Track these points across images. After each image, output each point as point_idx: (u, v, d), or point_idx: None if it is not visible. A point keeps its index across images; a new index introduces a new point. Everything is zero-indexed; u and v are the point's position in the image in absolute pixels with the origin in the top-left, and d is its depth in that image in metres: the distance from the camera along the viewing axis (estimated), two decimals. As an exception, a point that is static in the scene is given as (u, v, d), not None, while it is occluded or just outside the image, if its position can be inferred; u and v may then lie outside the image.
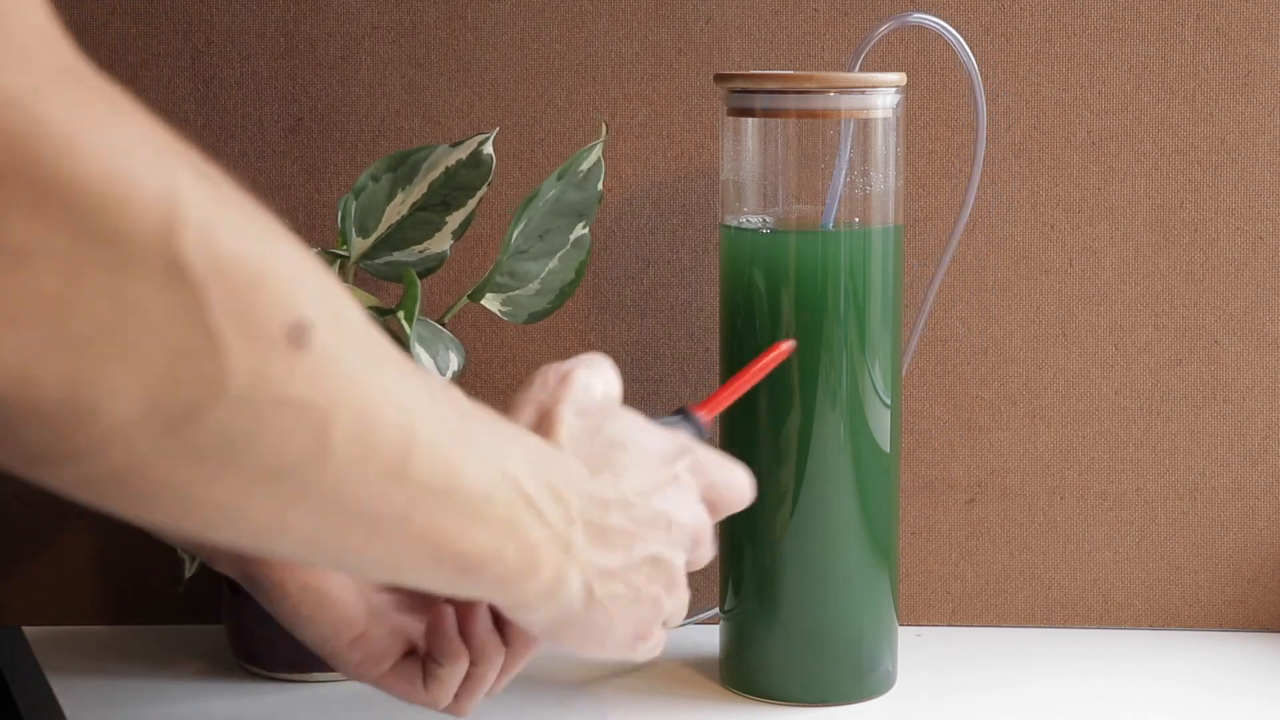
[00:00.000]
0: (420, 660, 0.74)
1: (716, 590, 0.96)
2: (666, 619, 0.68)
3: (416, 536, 0.53)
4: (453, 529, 0.54)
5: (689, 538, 0.68)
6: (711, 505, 0.71)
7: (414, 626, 0.75)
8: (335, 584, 0.73)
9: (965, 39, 0.92)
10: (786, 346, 0.81)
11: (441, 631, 0.73)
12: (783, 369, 0.88)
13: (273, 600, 0.74)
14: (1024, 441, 1.03)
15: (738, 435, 0.90)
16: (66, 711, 0.89)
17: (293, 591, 0.73)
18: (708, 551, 0.71)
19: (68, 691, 0.92)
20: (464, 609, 0.73)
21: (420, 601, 0.77)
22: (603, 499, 0.63)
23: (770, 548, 0.90)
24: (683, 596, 0.69)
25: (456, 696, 0.74)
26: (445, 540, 0.54)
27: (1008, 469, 1.03)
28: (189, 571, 0.91)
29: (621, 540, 0.64)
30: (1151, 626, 1.04)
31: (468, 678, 0.74)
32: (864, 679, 0.91)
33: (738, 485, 0.72)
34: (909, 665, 0.95)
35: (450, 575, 0.56)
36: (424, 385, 0.53)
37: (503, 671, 0.75)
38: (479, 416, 0.57)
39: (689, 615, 0.96)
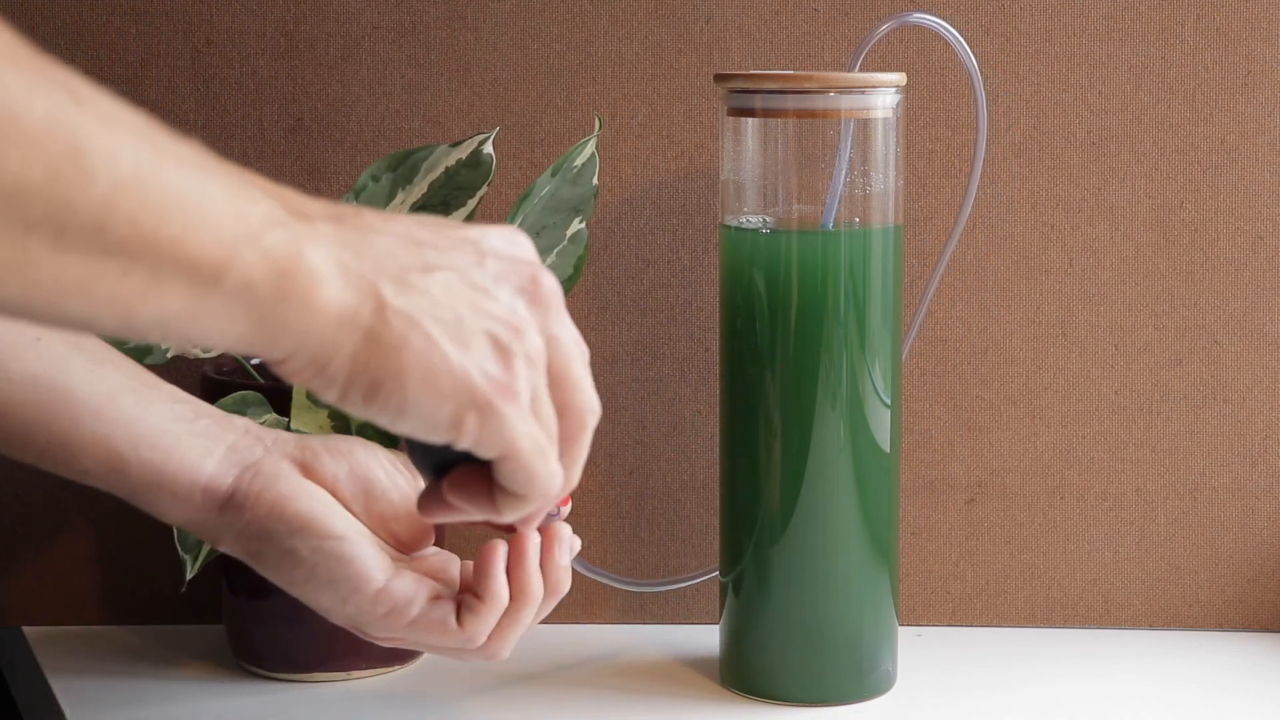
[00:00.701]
0: (451, 602, 0.74)
1: (716, 553, 0.96)
2: (536, 402, 0.59)
3: (124, 245, 0.49)
4: (168, 232, 0.50)
5: (518, 277, 0.59)
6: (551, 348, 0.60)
7: (434, 573, 0.75)
8: (349, 540, 0.73)
9: (965, 39, 0.92)
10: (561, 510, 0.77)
11: (489, 567, 0.73)
12: (783, 368, 0.88)
13: (285, 570, 0.74)
14: (1024, 441, 1.03)
15: (738, 435, 0.91)
16: (66, 711, 0.90)
17: (306, 555, 0.73)
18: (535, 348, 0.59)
19: (68, 691, 0.93)
20: (514, 547, 0.73)
21: (439, 562, 0.77)
22: (361, 218, 0.57)
23: (770, 548, 0.90)
24: (534, 349, 0.58)
25: (490, 638, 0.74)
26: (161, 246, 0.50)
27: (1008, 469, 1.03)
28: (189, 572, 0.91)
29: (404, 245, 0.57)
30: (1151, 626, 1.04)
31: (505, 617, 0.74)
32: (864, 679, 0.91)
33: (577, 341, 0.62)
34: (909, 665, 0.95)
35: (188, 295, 0.51)
36: (90, 94, 0.49)
37: (538, 613, 0.75)
38: (185, 143, 0.52)
39: (686, 576, 0.97)
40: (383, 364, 0.55)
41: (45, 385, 0.73)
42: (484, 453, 0.59)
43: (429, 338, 0.56)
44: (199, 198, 0.51)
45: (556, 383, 0.60)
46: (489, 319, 0.57)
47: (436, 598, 0.74)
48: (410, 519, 0.76)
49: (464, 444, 0.58)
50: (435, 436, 0.58)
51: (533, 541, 0.73)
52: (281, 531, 0.73)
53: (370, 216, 0.57)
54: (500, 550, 0.73)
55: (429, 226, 0.59)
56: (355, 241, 0.55)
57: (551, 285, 0.60)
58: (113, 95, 0.50)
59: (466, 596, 0.73)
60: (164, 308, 0.51)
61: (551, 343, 0.60)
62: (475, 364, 0.57)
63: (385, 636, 0.74)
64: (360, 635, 0.75)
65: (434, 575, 0.75)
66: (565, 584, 0.75)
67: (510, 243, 0.61)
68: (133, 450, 0.73)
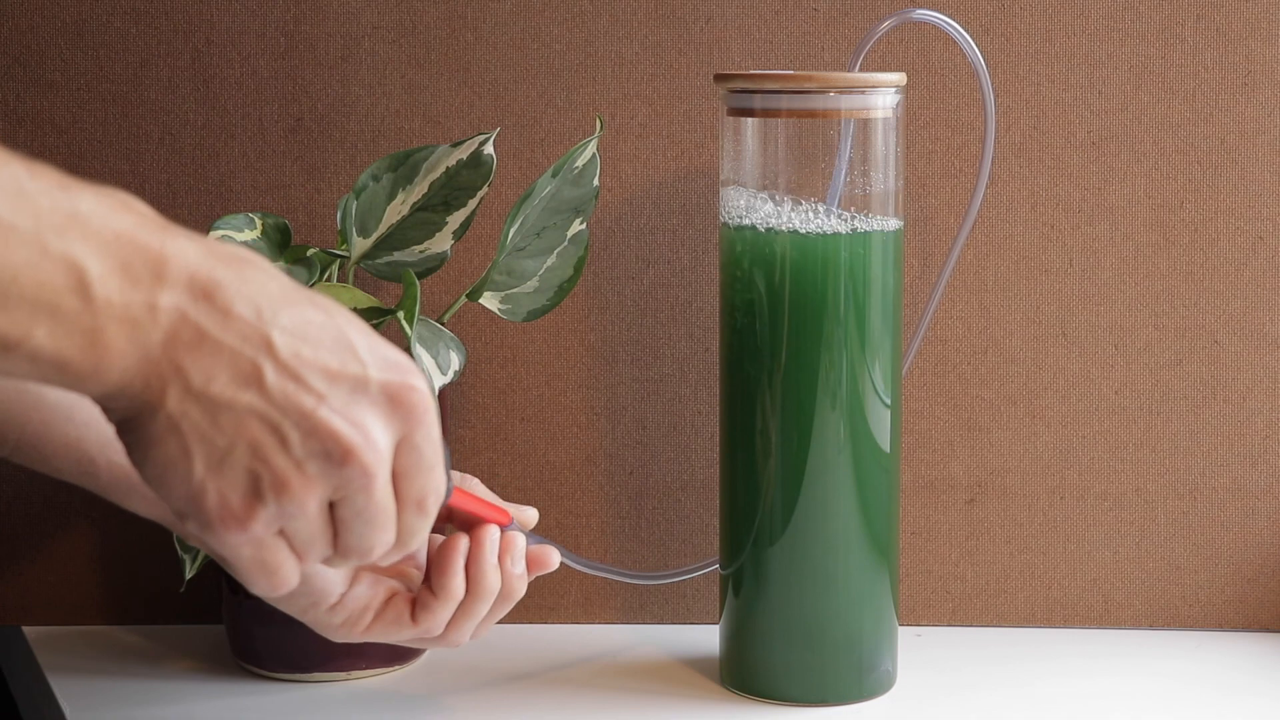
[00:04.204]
0: (406, 600, 0.76)
1: (716, 553, 0.96)
2: (290, 532, 0.59)
3: None
4: None
5: (335, 444, 0.57)
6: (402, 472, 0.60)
7: (397, 577, 0.78)
8: None
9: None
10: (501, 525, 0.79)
11: (448, 565, 0.75)
12: (783, 368, 0.88)
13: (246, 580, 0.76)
14: (1024, 441, 1.03)
15: (738, 436, 0.91)
16: (66, 711, 0.90)
17: None
18: (376, 502, 0.59)
19: (68, 691, 0.93)
20: (473, 543, 0.76)
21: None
22: (227, 308, 0.55)
23: (770, 547, 0.90)
24: (294, 507, 0.58)
25: (447, 628, 0.77)
26: None
27: (1008, 469, 1.03)
28: (189, 572, 0.91)
29: (245, 352, 0.56)
30: (1151, 626, 1.04)
31: (460, 610, 0.76)
32: (864, 679, 0.91)
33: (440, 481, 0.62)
34: (909, 665, 0.95)
35: None
36: None
37: (489, 615, 0.78)
38: (37, 191, 0.52)
39: (686, 569, 0.97)
40: (136, 442, 0.56)
41: (17, 385, 0.73)
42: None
43: (184, 449, 0.56)
44: (2, 276, 0.51)
45: (401, 478, 0.60)
46: (262, 464, 0.56)
47: (392, 597, 0.76)
48: None
49: (190, 534, 0.59)
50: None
51: (491, 539, 0.76)
52: None
53: (254, 305, 0.56)
54: (460, 546, 0.76)
55: (308, 342, 0.57)
56: (184, 330, 0.55)
57: (414, 400, 0.59)
58: None
59: (423, 593, 0.76)
60: None
61: (404, 444, 0.60)
62: (217, 487, 0.56)
63: (345, 639, 0.77)
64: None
65: (400, 563, 0.78)
66: (519, 591, 0.78)
67: (390, 368, 0.60)
68: (102, 454, 0.74)
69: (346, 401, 0.57)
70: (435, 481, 0.61)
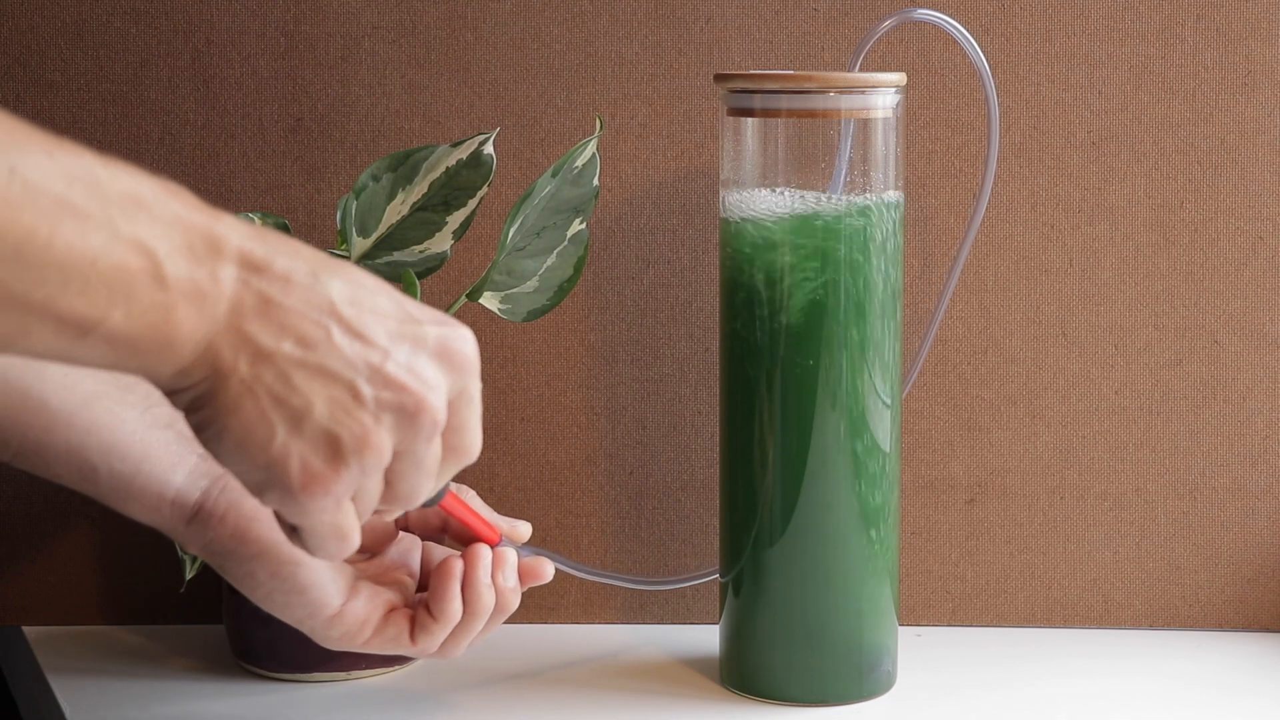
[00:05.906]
0: (405, 616, 0.78)
1: (716, 553, 0.96)
2: (360, 491, 0.60)
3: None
4: (41, 294, 0.51)
5: (410, 400, 0.59)
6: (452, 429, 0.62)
7: (393, 569, 0.79)
8: (306, 566, 0.75)
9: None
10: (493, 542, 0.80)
11: (445, 586, 0.77)
12: (783, 368, 0.88)
13: (246, 587, 0.77)
14: (1024, 441, 1.03)
15: (737, 436, 0.90)
16: (66, 711, 0.90)
17: (263, 580, 0.76)
18: (432, 450, 0.61)
19: (67, 691, 0.93)
20: (467, 565, 0.77)
21: (400, 555, 0.80)
22: (286, 275, 0.57)
23: (770, 548, 0.90)
24: (374, 462, 0.59)
25: (443, 645, 0.78)
26: (35, 304, 0.52)
27: (1008, 469, 1.03)
28: (189, 572, 0.91)
29: (313, 315, 0.57)
30: (1151, 626, 1.04)
31: (457, 628, 0.78)
32: (864, 679, 0.91)
33: (474, 446, 0.64)
34: (909, 665, 0.95)
35: (58, 340, 0.53)
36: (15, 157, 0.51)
37: (484, 629, 0.79)
38: (107, 178, 0.53)
39: (685, 576, 0.97)
40: (211, 417, 0.57)
41: (20, 390, 0.73)
42: (285, 518, 0.61)
43: (261, 413, 0.57)
44: (83, 259, 0.52)
45: (452, 429, 0.63)
46: (340, 423, 0.58)
47: (391, 611, 0.77)
48: (370, 525, 0.78)
49: (269, 507, 0.60)
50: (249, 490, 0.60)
51: (484, 559, 0.78)
52: (243, 554, 0.75)
53: (309, 271, 0.58)
54: (456, 571, 0.77)
55: (365, 302, 0.59)
56: (249, 298, 0.56)
57: (467, 351, 0.62)
58: (42, 143, 0.52)
59: (420, 613, 0.77)
60: (29, 348, 0.53)
61: (460, 396, 0.62)
62: (298, 451, 0.58)
63: (342, 649, 0.78)
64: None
65: (393, 570, 0.79)
66: (513, 604, 0.79)
67: (441, 322, 0.62)
68: (104, 460, 0.74)
69: (409, 356, 0.60)
70: (474, 441, 0.63)
